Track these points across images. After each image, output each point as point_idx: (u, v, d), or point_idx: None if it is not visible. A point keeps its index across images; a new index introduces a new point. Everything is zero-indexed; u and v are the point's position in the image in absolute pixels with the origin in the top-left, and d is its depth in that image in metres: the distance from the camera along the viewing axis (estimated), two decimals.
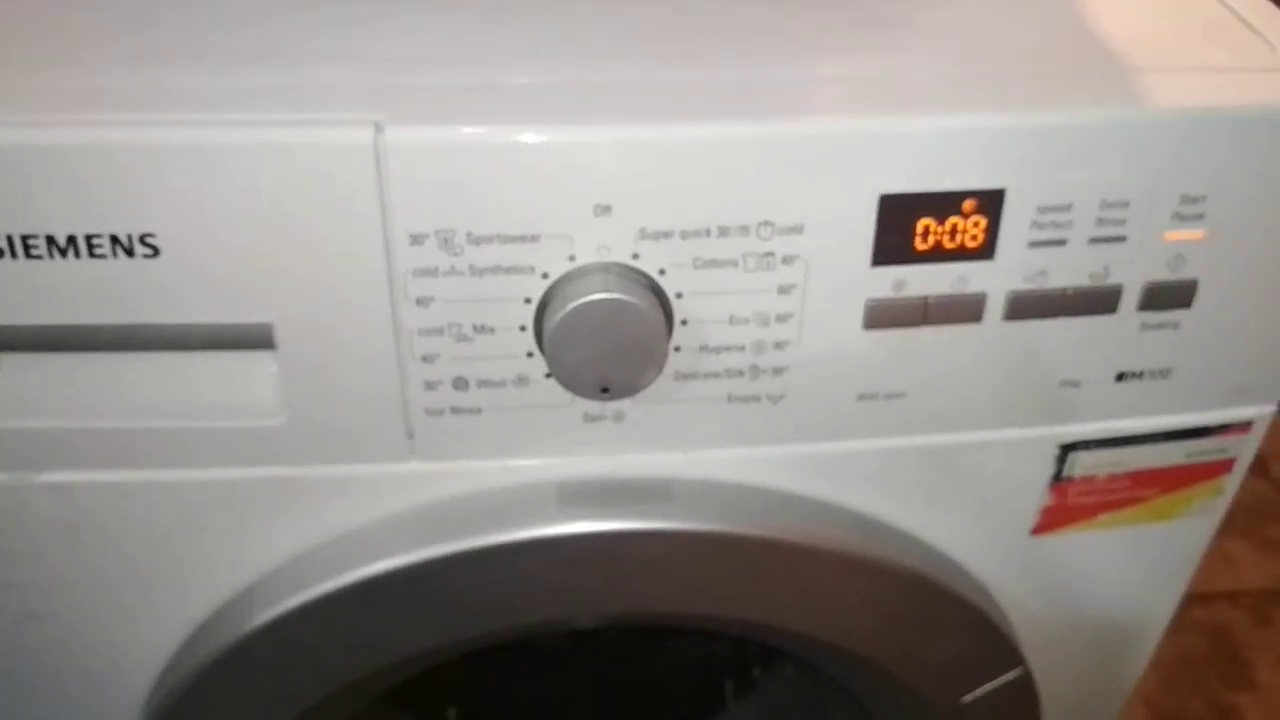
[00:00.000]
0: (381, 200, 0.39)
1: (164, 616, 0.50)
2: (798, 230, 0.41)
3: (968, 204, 0.41)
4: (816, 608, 0.51)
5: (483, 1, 0.47)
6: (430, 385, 0.43)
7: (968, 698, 0.56)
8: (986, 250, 0.42)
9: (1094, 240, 0.43)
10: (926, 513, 0.51)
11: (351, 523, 0.47)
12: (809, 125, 0.40)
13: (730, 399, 0.45)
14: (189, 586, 0.49)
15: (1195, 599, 1.12)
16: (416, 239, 0.40)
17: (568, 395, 0.43)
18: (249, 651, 0.48)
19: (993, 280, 0.43)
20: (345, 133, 0.38)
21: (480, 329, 0.42)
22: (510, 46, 0.44)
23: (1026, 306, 0.44)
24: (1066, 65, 0.44)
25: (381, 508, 0.47)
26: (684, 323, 0.43)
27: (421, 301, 0.41)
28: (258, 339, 0.42)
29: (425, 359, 0.43)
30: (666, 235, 0.41)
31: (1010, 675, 0.55)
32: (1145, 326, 0.46)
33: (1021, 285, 0.44)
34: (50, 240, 0.39)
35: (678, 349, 0.43)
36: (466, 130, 0.39)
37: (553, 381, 0.43)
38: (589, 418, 0.45)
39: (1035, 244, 0.43)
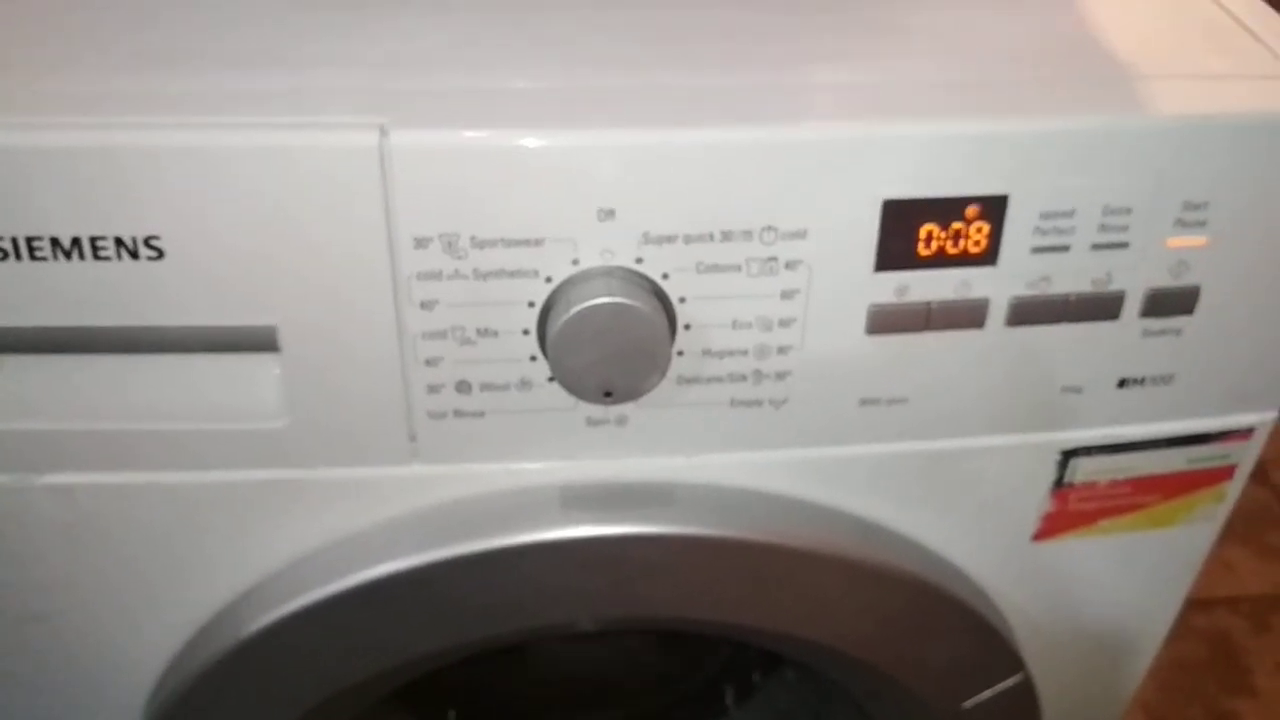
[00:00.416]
0: (386, 203, 0.39)
1: (165, 618, 0.50)
2: (801, 235, 0.41)
3: (971, 210, 0.41)
4: (818, 612, 0.51)
5: (486, 6, 0.47)
6: (433, 388, 0.43)
7: (968, 703, 0.56)
8: (989, 256, 0.43)
9: (1096, 246, 0.43)
10: (928, 518, 0.51)
11: (354, 525, 0.47)
12: (813, 130, 0.40)
13: (733, 403, 0.45)
14: (191, 589, 0.49)
15: (1195, 605, 1.12)
16: (421, 242, 0.40)
17: (571, 399, 0.43)
18: (250, 654, 0.48)
19: (995, 286, 0.43)
20: (350, 136, 0.38)
21: (484, 332, 0.42)
22: (515, 51, 0.44)
23: (1029, 312, 0.44)
24: (1070, 71, 0.44)
25: (384, 511, 0.47)
26: (687, 327, 0.43)
27: (425, 305, 0.41)
28: (261, 341, 0.42)
29: (429, 362, 0.43)
30: (670, 240, 0.41)
31: (1011, 681, 0.55)
32: (1147, 333, 0.46)
33: (1024, 291, 0.44)
34: (55, 242, 0.39)
35: (680, 353, 0.43)
36: (472, 134, 0.39)
37: (556, 385, 0.43)
38: (592, 421, 0.45)
39: (1038, 250, 0.43)
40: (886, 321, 0.44)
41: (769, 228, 0.41)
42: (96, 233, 0.39)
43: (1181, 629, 0.61)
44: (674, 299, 0.42)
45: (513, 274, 0.41)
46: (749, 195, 0.40)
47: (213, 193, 0.38)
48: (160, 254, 0.39)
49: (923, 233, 0.42)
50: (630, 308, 0.40)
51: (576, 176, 0.39)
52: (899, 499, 0.50)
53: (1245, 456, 0.53)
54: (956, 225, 0.42)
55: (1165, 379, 0.48)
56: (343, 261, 0.40)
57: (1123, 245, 0.43)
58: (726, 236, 0.41)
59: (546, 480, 0.47)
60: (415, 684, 0.56)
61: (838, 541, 0.49)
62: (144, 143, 0.38)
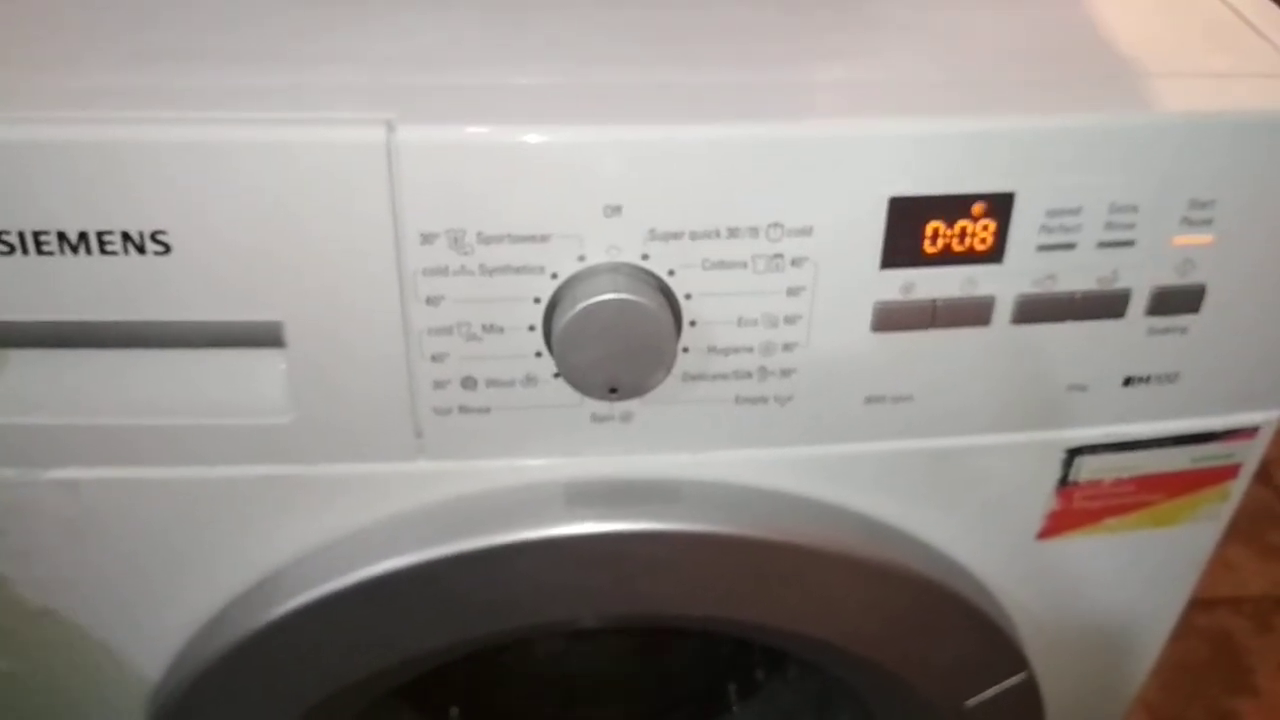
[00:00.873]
0: (392, 199, 0.39)
1: (169, 614, 0.50)
2: (807, 232, 0.41)
3: (977, 207, 0.41)
4: (822, 610, 0.51)
5: (490, 3, 0.47)
6: (439, 384, 0.43)
7: (972, 701, 0.56)
8: (995, 254, 0.43)
9: (1103, 244, 0.43)
10: (932, 516, 0.51)
11: (359, 521, 0.47)
12: (819, 127, 0.40)
13: (738, 400, 0.45)
14: (195, 584, 0.49)
15: (1197, 605, 1.11)
16: (427, 238, 0.40)
17: (576, 395, 0.43)
18: (254, 649, 0.48)
19: (1001, 284, 0.43)
20: (357, 132, 0.38)
21: (489, 328, 0.42)
22: (521, 47, 0.44)
23: (1035, 310, 0.44)
24: (1076, 69, 0.44)
25: (389, 507, 0.47)
26: (693, 324, 0.43)
27: (431, 300, 0.41)
28: (267, 337, 0.42)
29: (434, 358, 0.43)
30: (676, 236, 0.41)
31: (1015, 679, 0.55)
32: (1153, 331, 0.46)
33: (1030, 289, 0.44)
34: (61, 237, 0.39)
35: (686, 350, 0.43)
36: (479, 130, 0.39)
37: (561, 381, 0.43)
38: (597, 418, 0.45)
39: (1044, 248, 0.43)
40: (892, 319, 0.43)
41: (775, 224, 0.41)
42: (103, 227, 0.39)
43: (1183, 629, 0.61)
44: (680, 295, 0.42)
45: (519, 270, 0.41)
46: (755, 192, 0.40)
47: (219, 188, 0.38)
48: (167, 249, 0.39)
49: (929, 230, 0.42)
50: (636, 304, 0.40)
51: (583, 173, 0.39)
52: (903, 496, 0.50)
53: (1250, 456, 0.53)
54: (962, 223, 0.42)
55: (1171, 377, 0.48)
56: (349, 257, 0.40)
57: (1129, 243, 0.43)
58: (733, 233, 0.41)
59: (551, 477, 0.47)
60: (418, 681, 0.56)
61: (842, 539, 0.49)
62: (151, 138, 0.38)
